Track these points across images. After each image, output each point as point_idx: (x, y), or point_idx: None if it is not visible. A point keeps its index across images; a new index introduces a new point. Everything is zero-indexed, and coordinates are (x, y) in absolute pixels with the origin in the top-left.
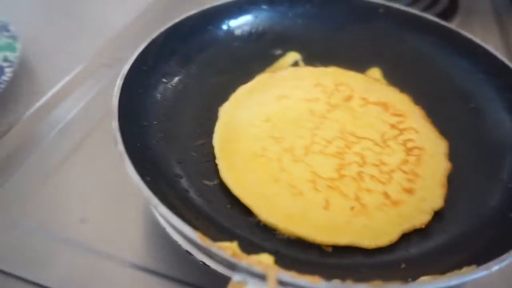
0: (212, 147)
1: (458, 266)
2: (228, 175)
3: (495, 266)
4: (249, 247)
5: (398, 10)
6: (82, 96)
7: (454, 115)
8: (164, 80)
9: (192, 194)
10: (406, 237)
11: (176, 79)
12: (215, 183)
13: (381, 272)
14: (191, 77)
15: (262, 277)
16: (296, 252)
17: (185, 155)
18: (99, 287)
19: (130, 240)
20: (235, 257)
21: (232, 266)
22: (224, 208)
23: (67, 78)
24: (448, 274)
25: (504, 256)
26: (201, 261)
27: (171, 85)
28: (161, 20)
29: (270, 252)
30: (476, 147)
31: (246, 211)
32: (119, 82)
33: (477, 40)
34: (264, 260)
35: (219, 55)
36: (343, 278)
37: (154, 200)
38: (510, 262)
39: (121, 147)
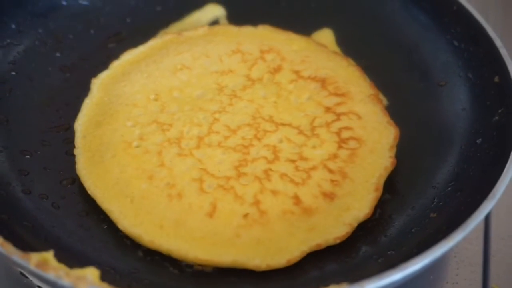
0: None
1: None
2: (86, 170)
3: (368, 285)
4: (87, 263)
5: None
6: None
7: (413, 96)
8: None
9: (34, 196)
10: (318, 256)
11: (28, 41)
12: (72, 182)
13: None
14: (51, 37)
15: None
16: (158, 274)
17: (36, 145)
18: None
19: None
20: (40, 268)
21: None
22: (77, 216)
23: None
24: None
25: (380, 275)
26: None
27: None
28: None
29: (124, 272)
30: (427, 138)
31: (106, 220)
32: None
33: None
34: (87, 275)
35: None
36: None
37: None
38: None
39: None
